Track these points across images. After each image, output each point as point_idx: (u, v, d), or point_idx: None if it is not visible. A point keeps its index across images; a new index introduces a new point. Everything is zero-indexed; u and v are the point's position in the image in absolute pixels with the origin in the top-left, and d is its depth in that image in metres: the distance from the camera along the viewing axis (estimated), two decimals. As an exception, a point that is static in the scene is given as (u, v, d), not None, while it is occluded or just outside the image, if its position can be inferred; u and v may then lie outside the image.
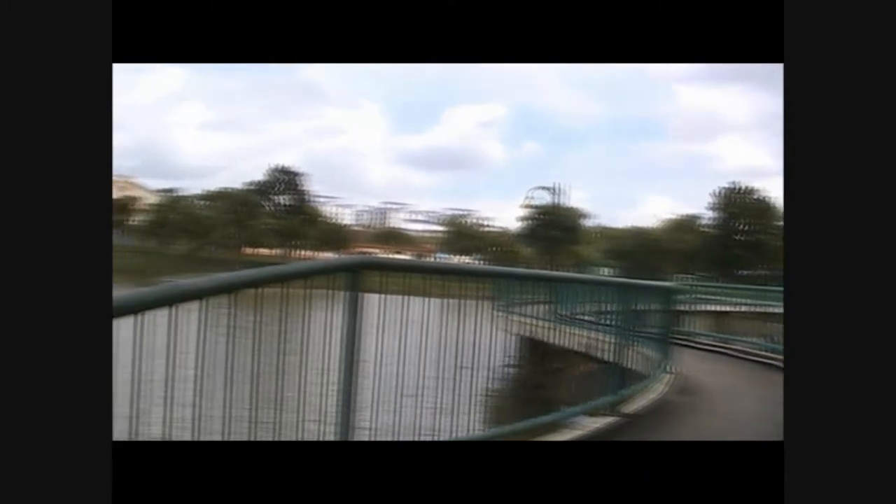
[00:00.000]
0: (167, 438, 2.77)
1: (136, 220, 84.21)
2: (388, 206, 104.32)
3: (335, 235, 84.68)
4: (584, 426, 5.89)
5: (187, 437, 2.85)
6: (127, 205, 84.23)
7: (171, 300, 2.59)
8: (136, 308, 2.44)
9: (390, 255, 55.84)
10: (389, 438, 3.96)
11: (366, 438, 3.75)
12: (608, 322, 7.31)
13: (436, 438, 4.35)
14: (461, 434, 4.48)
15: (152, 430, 2.72)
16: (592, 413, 6.26)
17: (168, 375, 2.73)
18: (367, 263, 3.70)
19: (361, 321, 3.54)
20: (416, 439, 4.17)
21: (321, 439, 3.52)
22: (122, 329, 2.36)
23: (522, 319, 10.06)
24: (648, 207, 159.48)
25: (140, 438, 2.60)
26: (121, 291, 2.48)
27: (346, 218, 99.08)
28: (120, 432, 2.55)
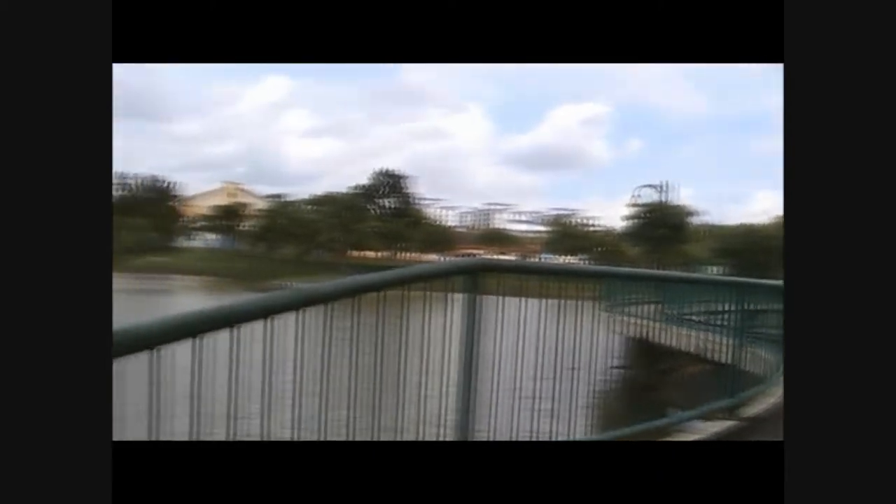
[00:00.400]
0: (295, 439, 2.84)
1: (246, 225, 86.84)
2: (492, 207, 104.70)
3: (440, 237, 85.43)
4: (700, 430, 5.75)
5: (313, 438, 2.92)
6: (237, 211, 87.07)
7: (297, 304, 2.66)
8: (266, 312, 2.51)
9: (495, 257, 55.91)
10: (507, 439, 3.97)
11: (483, 439, 3.76)
12: (720, 322, 7.14)
13: (550, 440, 4.33)
14: (578, 437, 4.45)
15: (284, 433, 2.80)
16: (708, 417, 6.11)
17: (296, 378, 2.80)
18: (487, 266, 3.72)
19: (480, 323, 3.57)
20: (530, 439, 4.17)
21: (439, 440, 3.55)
22: (256, 331, 2.44)
23: (631, 319, 9.94)
24: (758, 204, 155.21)
25: (271, 438, 2.67)
26: (245, 296, 2.54)
27: (450, 220, 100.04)
28: (249, 434, 2.64)
